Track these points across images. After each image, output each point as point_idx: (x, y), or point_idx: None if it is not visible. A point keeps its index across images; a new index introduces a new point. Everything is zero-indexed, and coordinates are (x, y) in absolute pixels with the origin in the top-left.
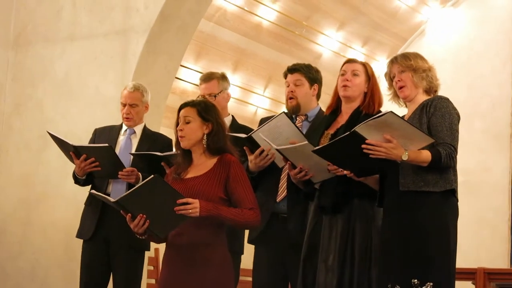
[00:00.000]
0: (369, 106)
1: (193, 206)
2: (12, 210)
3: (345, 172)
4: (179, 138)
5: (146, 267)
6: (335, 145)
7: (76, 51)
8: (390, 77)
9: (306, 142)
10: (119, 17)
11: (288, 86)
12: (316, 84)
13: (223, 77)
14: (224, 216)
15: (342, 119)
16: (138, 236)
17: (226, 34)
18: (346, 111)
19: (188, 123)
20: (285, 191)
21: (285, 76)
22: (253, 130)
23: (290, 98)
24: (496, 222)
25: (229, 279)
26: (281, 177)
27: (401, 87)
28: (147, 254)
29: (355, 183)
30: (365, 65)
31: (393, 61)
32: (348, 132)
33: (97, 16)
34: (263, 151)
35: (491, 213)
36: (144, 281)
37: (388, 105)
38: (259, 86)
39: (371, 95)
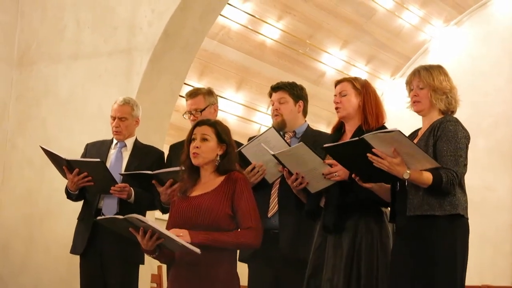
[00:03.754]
0: (367, 121)
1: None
2: (15, 227)
3: (353, 175)
4: (193, 155)
5: (149, 285)
6: (344, 147)
7: (79, 69)
8: (409, 87)
9: (301, 143)
10: (123, 35)
11: (273, 105)
12: (301, 101)
13: (209, 92)
14: (219, 241)
15: (346, 137)
16: (148, 255)
17: (229, 52)
18: (349, 129)
19: (206, 140)
20: (276, 206)
21: (270, 95)
22: (243, 145)
23: (276, 115)
24: (499, 240)
25: None
26: (272, 192)
27: (415, 102)
28: (150, 271)
29: (359, 200)
30: (351, 81)
31: (415, 74)
32: (357, 138)
33: (101, 35)
34: (254, 167)
35: (494, 231)
36: None
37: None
38: (263, 104)
39: (364, 109)
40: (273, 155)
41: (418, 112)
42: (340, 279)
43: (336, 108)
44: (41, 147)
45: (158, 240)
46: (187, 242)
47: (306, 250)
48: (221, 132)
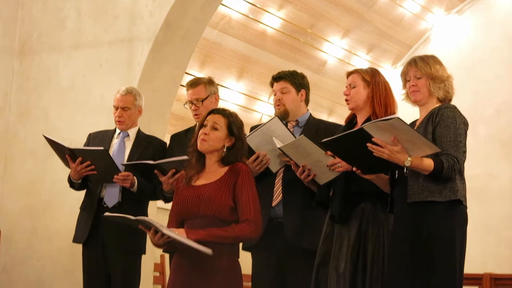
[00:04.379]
0: (375, 112)
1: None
2: (17, 217)
3: (353, 168)
4: (200, 140)
5: (152, 273)
6: (342, 139)
7: (81, 59)
8: (405, 78)
9: (302, 136)
10: (124, 25)
11: (275, 95)
12: (303, 90)
13: (209, 82)
14: (216, 236)
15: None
16: (159, 248)
17: (230, 41)
18: (360, 120)
19: (215, 129)
20: (281, 195)
21: (272, 85)
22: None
23: (278, 106)
24: (502, 228)
25: (237, 285)
26: (275, 181)
27: (414, 91)
28: (153, 260)
29: (365, 189)
30: (360, 73)
31: (411, 64)
32: (356, 128)
33: (102, 24)
34: (258, 157)
35: (496, 219)
36: (150, 287)
37: (402, 104)
38: (264, 94)
39: (372, 100)
40: (279, 148)
41: (416, 102)
42: (347, 268)
43: (346, 100)
44: (44, 136)
45: (168, 239)
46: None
47: (311, 239)
48: (233, 124)
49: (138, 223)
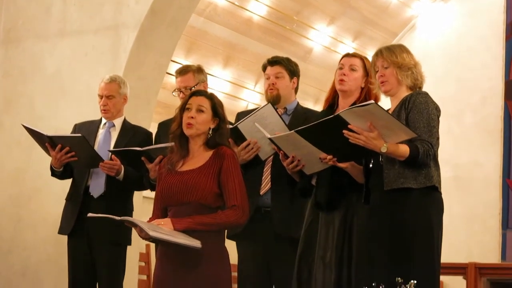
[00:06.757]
0: (365, 101)
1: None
2: (3, 206)
3: (328, 157)
4: (187, 125)
5: (137, 263)
6: (318, 127)
7: (66, 47)
8: (374, 69)
9: (293, 131)
10: (110, 12)
11: (268, 79)
12: (295, 77)
13: (198, 70)
14: (202, 224)
15: None
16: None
17: (216, 29)
18: (343, 105)
19: (201, 111)
20: (269, 183)
21: (264, 69)
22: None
23: (271, 89)
24: (487, 217)
25: (225, 272)
26: (264, 170)
27: (383, 82)
28: (139, 250)
29: (351, 178)
30: (363, 60)
31: (378, 55)
32: (332, 116)
33: (87, 11)
34: (248, 144)
35: (482, 208)
36: (136, 277)
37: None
38: (250, 81)
39: (368, 90)
40: (269, 139)
41: (386, 92)
42: (333, 257)
43: (341, 80)
44: (23, 125)
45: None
46: (177, 231)
47: (299, 228)
48: (217, 105)
49: (124, 222)
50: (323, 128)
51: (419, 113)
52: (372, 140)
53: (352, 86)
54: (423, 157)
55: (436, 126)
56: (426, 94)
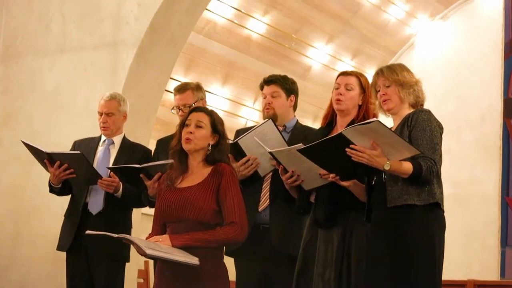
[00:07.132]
0: (363, 119)
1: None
2: (1, 222)
3: (330, 176)
4: (185, 140)
5: (136, 280)
6: (321, 146)
7: (65, 63)
8: (375, 89)
9: (300, 144)
10: (109, 29)
11: (264, 98)
12: (292, 95)
13: (197, 87)
14: (201, 240)
15: (337, 132)
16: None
17: (215, 47)
18: (341, 124)
19: (200, 127)
20: (268, 200)
21: (262, 88)
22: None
23: (267, 109)
24: (486, 234)
25: None
26: (263, 186)
27: (385, 100)
28: (137, 267)
29: (350, 195)
30: (359, 77)
31: (379, 74)
32: (335, 134)
33: (87, 28)
34: (248, 160)
35: (481, 225)
36: None
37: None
38: (249, 99)
39: (366, 108)
40: (270, 153)
41: (389, 110)
42: (332, 274)
43: (337, 100)
44: (22, 141)
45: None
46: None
47: (297, 245)
48: (217, 122)
49: (121, 240)
50: (326, 147)
51: (421, 131)
52: (375, 158)
53: (349, 105)
54: (426, 174)
55: (439, 143)
56: (428, 111)
